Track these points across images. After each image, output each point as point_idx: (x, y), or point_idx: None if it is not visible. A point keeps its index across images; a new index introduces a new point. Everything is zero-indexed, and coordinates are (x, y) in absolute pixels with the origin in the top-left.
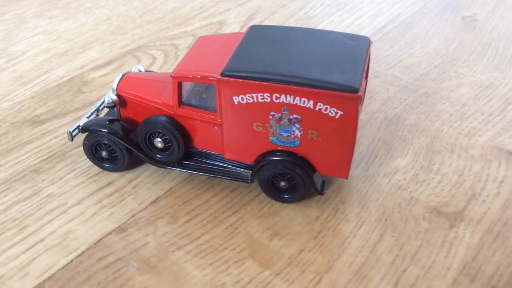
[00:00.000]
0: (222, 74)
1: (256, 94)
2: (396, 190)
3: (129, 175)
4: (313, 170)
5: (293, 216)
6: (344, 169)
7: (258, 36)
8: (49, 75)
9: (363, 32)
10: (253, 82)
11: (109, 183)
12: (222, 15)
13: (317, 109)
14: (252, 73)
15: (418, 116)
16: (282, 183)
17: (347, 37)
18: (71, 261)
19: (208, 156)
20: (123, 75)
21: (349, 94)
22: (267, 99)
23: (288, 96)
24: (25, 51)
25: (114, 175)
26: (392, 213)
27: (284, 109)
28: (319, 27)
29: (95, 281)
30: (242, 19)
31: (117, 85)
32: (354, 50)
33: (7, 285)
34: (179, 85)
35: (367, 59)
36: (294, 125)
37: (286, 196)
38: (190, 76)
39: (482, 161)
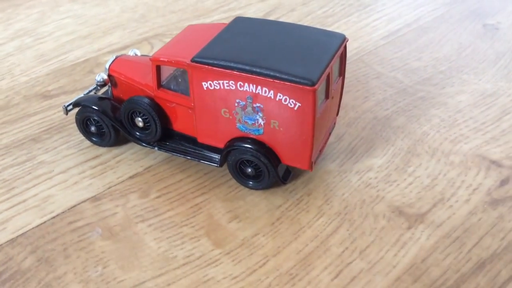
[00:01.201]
0: (192, 60)
1: (222, 81)
2: (364, 188)
3: (115, 151)
4: (277, 159)
5: (257, 202)
6: (305, 160)
7: (239, 27)
8: (68, 55)
9: (375, 34)
10: (218, 69)
11: (96, 157)
12: (242, 9)
13: (277, 99)
14: (219, 60)
15: (408, 119)
16: (249, 170)
17: (323, 33)
18: (45, 222)
19: (185, 138)
20: (116, 57)
21: (306, 87)
22: (232, 86)
23: (251, 85)
24: (52, 32)
25: (102, 150)
26: (353, 208)
27: (247, 97)
28: (334, 26)
29: (61, 241)
30: (260, 15)
31: (109, 66)
32: (325, 46)
33: None
34: (158, 68)
35: (338, 55)
36: (257, 114)
37: (251, 183)
38: (166, 60)
39: (460, 168)
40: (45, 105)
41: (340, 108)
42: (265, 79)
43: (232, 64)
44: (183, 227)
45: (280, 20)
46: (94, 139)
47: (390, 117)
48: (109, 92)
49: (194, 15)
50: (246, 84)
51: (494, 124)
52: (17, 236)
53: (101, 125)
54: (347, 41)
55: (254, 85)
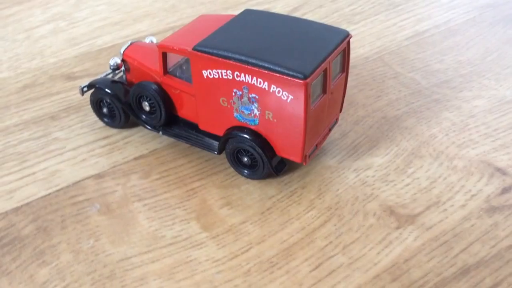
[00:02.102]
0: (193, 49)
1: (220, 70)
2: (360, 185)
3: (125, 133)
4: (272, 150)
5: (251, 191)
6: (298, 153)
7: (245, 19)
8: (97, 40)
9: (400, 34)
10: (217, 58)
11: (106, 137)
12: (271, 3)
13: (271, 91)
14: (218, 50)
15: (418, 121)
16: (245, 159)
17: (326, 29)
18: (49, 194)
19: (189, 125)
20: (131, 43)
21: (298, 80)
22: (229, 76)
23: (247, 75)
24: (86, 17)
25: (113, 131)
26: (345, 204)
27: (244, 88)
28: (360, 24)
29: (60, 213)
30: (287, 9)
31: (124, 51)
32: (325, 41)
33: None
34: (164, 55)
35: (338, 51)
36: (253, 104)
37: (246, 172)
38: (170, 47)
39: (462, 173)
40: (67, 86)
41: (350, 105)
42: (260, 70)
43: (229, 54)
44: (176, 209)
45: (306, 16)
46: (106, 120)
47: (400, 117)
48: (123, 76)
49: (222, 7)
50: (243, 74)
51: (507, 131)
52: (21, 205)
53: (112, 107)
54: (350, 37)
55: (250, 76)
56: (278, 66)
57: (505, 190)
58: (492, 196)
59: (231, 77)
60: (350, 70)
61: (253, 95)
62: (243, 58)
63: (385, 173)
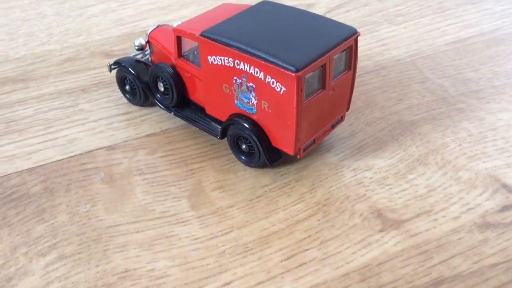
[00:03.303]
0: (200, 34)
1: (223, 57)
2: (354, 185)
3: (144, 110)
4: (268, 140)
5: (246, 178)
6: (290, 144)
7: (259, 10)
8: (141, 22)
9: (441, 39)
10: (220, 45)
11: (126, 113)
12: None
13: (266, 81)
14: (222, 37)
15: (434, 128)
16: (243, 146)
17: (335, 26)
18: (63, 159)
19: (199, 108)
20: (158, 26)
21: (289, 72)
22: (231, 64)
23: (246, 64)
24: (136, 0)
25: (134, 108)
26: (334, 202)
27: (243, 76)
28: (401, 25)
29: (68, 177)
30: (331, 6)
31: (150, 33)
32: (328, 37)
33: (13, 161)
34: (178, 39)
35: (341, 48)
36: (251, 93)
37: (243, 158)
38: (183, 32)
39: (465, 185)
40: (104, 62)
41: (368, 106)
42: (257, 60)
43: (231, 42)
44: (172, 186)
45: (348, 13)
46: (128, 96)
47: (416, 123)
48: (149, 57)
49: None
50: (242, 63)
51: None
52: (36, 166)
53: (134, 85)
54: (357, 35)
55: (248, 65)
56: (273, 57)
57: (505, 208)
58: (490, 212)
59: (232, 65)
60: (378, 71)
61: (251, 84)
62: (242, 46)
63: (383, 176)
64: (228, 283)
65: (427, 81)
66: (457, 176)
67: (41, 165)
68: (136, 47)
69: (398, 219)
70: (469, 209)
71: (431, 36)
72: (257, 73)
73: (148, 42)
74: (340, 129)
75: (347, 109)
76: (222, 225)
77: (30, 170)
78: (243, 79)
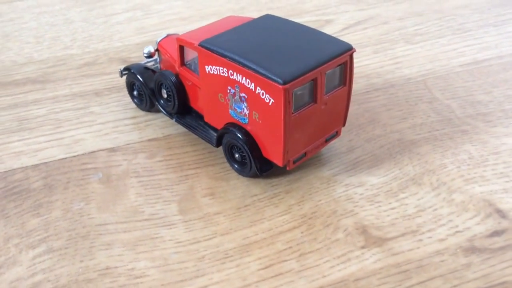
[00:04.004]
0: (199, 44)
1: (218, 67)
2: (343, 200)
3: (150, 116)
4: (258, 150)
5: (237, 187)
6: (279, 155)
7: (260, 23)
8: (161, 31)
9: (456, 60)
10: (215, 55)
11: (133, 117)
12: (336, 15)
13: (257, 92)
14: (217, 48)
15: (434, 149)
16: (236, 155)
17: (331, 41)
18: (66, 158)
19: (200, 116)
20: (167, 35)
21: (277, 84)
22: (225, 73)
23: (238, 74)
24: (161, 10)
25: (141, 113)
26: (321, 215)
27: (236, 86)
28: (418, 44)
29: (68, 175)
30: (350, 22)
31: (159, 41)
32: (321, 52)
33: (19, 158)
34: (181, 48)
35: (334, 63)
36: (243, 103)
37: (236, 166)
38: (184, 41)
39: (456, 208)
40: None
41: (370, 123)
42: (248, 71)
43: (226, 53)
44: (164, 190)
45: (365, 31)
46: (135, 101)
47: (416, 142)
48: (158, 64)
49: (287, 14)
50: (235, 73)
51: None
52: (40, 163)
53: (141, 91)
54: (353, 51)
55: (241, 75)
56: (263, 68)
57: (495, 233)
58: (478, 237)
59: (227, 75)
60: (386, 89)
61: (243, 94)
62: (236, 57)
63: (374, 194)
64: None
65: (435, 101)
66: (450, 198)
67: (45, 163)
68: (145, 55)
69: (383, 237)
70: (457, 232)
71: (447, 57)
72: (248, 83)
73: (157, 50)
74: (339, 144)
75: (343, 125)
76: (206, 230)
77: (34, 166)
78: (236, 89)
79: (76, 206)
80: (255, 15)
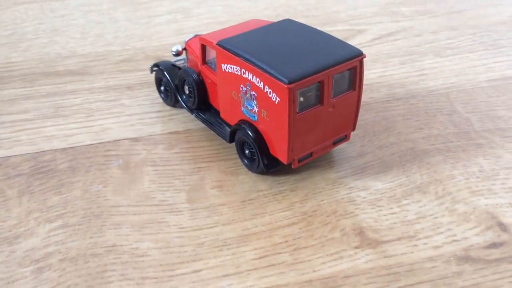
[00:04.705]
0: (216, 43)
1: (232, 66)
2: (346, 202)
3: (174, 111)
4: (266, 147)
5: (245, 182)
6: (283, 153)
7: (277, 26)
8: (198, 33)
9: (484, 75)
10: (230, 54)
11: (158, 111)
12: (370, 25)
13: (265, 90)
14: (233, 47)
15: (445, 159)
16: (247, 151)
17: (342, 46)
18: (93, 144)
19: (218, 113)
20: (195, 35)
21: (281, 83)
22: (238, 72)
23: (249, 73)
24: (200, 14)
25: (166, 107)
26: (321, 214)
27: (247, 84)
28: (447, 58)
29: (91, 160)
30: (381, 33)
31: (187, 41)
32: (331, 56)
33: (51, 141)
34: (203, 46)
35: (343, 67)
36: (253, 101)
37: (246, 162)
38: (205, 40)
39: (458, 217)
40: None
41: (385, 130)
42: (258, 70)
43: (239, 52)
44: (176, 180)
45: (397, 42)
46: (162, 96)
47: (429, 152)
48: (186, 63)
49: (321, 22)
50: (247, 72)
51: None
52: (69, 147)
53: (167, 86)
54: (362, 57)
55: (251, 74)
56: (271, 68)
57: (493, 245)
58: (475, 247)
59: (239, 73)
60: (407, 99)
61: (253, 92)
62: (248, 57)
63: (377, 198)
64: (198, 271)
65: (454, 114)
66: (453, 208)
67: (73, 147)
68: (173, 53)
69: (378, 239)
70: (454, 240)
71: (475, 72)
72: (258, 82)
73: (184, 49)
74: (350, 149)
75: (353, 129)
76: (209, 219)
77: (63, 150)
78: (248, 87)
79: (95, 188)
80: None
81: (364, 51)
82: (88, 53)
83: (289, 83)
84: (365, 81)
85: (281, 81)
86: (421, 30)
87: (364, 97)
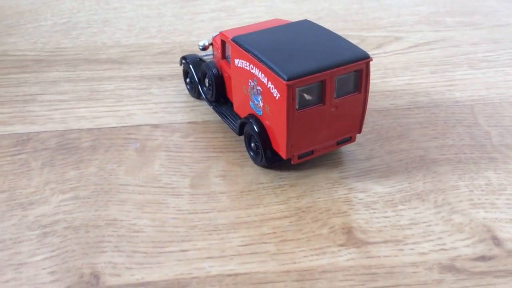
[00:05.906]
0: (231, 39)
1: (243, 61)
2: (341, 202)
3: (197, 102)
4: (269, 141)
5: (249, 173)
6: (283, 148)
7: (293, 26)
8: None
9: (502, 88)
10: (241, 50)
11: (183, 102)
12: (408, 33)
13: (268, 86)
14: (244, 43)
15: (453, 170)
16: (252, 144)
17: (351, 48)
18: (116, 127)
19: (232, 106)
20: (220, 32)
21: (281, 80)
22: (247, 67)
23: (256, 68)
24: (242, 13)
25: (191, 99)
26: (314, 211)
27: (255, 79)
28: (481, 71)
29: (112, 141)
30: (419, 42)
31: (213, 37)
32: (336, 57)
33: (80, 121)
34: (222, 42)
35: (347, 69)
36: (259, 96)
37: (251, 154)
38: (224, 36)
39: (452, 228)
40: None
41: (399, 137)
42: (263, 66)
43: (249, 48)
44: (184, 166)
45: (432, 52)
46: (188, 88)
47: (438, 162)
48: (212, 57)
49: (359, 27)
50: (255, 68)
51: None
52: (95, 128)
53: (192, 78)
54: (369, 60)
55: (258, 70)
56: (274, 65)
57: (481, 258)
58: (463, 258)
59: (248, 68)
60: (429, 108)
61: (259, 87)
62: (256, 53)
63: (374, 201)
64: (185, 251)
65: (474, 127)
66: (449, 218)
67: (99, 128)
68: (200, 47)
69: (365, 240)
70: (442, 249)
71: (507, 86)
72: (263, 78)
73: (211, 44)
74: (358, 152)
75: (359, 131)
76: (206, 205)
77: (89, 130)
78: (255, 82)
79: (110, 167)
80: (327, 25)
81: (396, 58)
82: (131, 44)
83: (289, 79)
84: (389, 88)
85: (281, 77)
86: (461, 41)
87: (386, 103)
